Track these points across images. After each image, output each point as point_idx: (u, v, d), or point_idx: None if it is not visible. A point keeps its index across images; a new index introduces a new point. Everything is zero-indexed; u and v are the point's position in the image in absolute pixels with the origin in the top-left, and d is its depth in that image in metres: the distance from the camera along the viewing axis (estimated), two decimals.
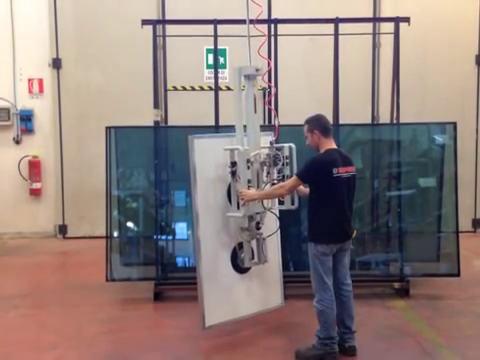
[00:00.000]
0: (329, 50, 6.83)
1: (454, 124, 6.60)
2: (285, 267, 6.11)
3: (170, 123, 7.94)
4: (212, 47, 6.81)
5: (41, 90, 9.90)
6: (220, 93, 6.73)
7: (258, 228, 5.42)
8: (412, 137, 6.81)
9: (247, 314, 5.59)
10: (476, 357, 5.09)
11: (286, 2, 9.04)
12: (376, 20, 9.61)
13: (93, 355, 5.15)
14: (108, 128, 6.49)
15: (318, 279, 4.87)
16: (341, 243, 4.94)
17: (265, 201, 5.40)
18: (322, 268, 4.85)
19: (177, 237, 6.74)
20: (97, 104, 9.72)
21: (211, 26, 6.63)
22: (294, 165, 5.35)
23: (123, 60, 9.68)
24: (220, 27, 6.65)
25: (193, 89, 9.52)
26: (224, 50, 9.27)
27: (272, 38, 6.72)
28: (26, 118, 9.81)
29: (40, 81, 9.87)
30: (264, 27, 6.45)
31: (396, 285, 6.59)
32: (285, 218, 5.68)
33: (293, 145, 5.41)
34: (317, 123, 4.98)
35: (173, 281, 6.68)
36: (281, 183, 5.16)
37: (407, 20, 6.70)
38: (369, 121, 8.38)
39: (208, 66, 9.44)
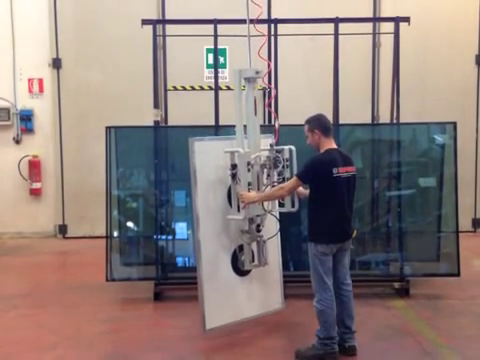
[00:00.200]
0: (329, 50, 6.83)
1: (454, 124, 6.60)
2: (285, 267, 6.11)
3: (170, 123, 7.94)
4: (212, 47, 6.81)
5: (41, 90, 9.90)
6: (220, 93, 6.73)
7: (258, 230, 5.42)
8: (412, 137, 6.82)
9: (247, 317, 5.59)
10: (476, 357, 5.09)
11: (286, 2, 9.05)
12: (376, 20, 9.61)
13: (93, 355, 5.14)
14: (108, 128, 6.49)
15: (318, 279, 4.87)
16: (341, 243, 4.94)
17: (265, 203, 5.40)
18: (322, 268, 4.85)
19: (177, 237, 6.74)
20: (97, 104, 9.73)
21: (211, 26, 6.63)
22: (294, 167, 5.34)
23: (123, 60, 9.68)
24: (220, 27, 6.65)
25: (193, 89, 9.52)
26: (224, 50, 9.27)
27: (272, 38, 6.73)
28: (26, 118, 9.82)
29: (40, 81, 9.88)
30: (264, 27, 6.46)
31: (396, 285, 6.59)
32: (285, 218, 5.68)
33: (293, 147, 5.41)
34: (317, 123, 4.98)
35: (173, 281, 6.68)
36: (281, 184, 5.16)
37: (407, 20, 6.70)
38: (369, 121, 8.38)
39: (208, 66, 9.44)
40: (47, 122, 9.94)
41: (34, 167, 9.86)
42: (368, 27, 9.24)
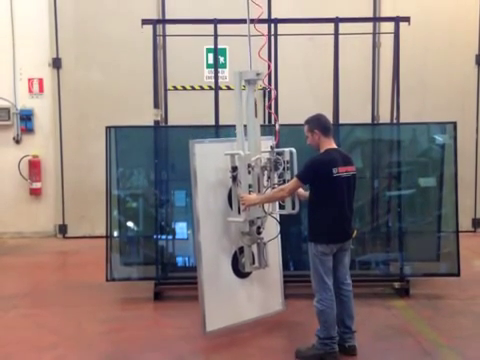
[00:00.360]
0: (329, 50, 6.83)
1: (454, 124, 6.60)
2: (285, 267, 6.11)
3: (170, 123, 7.94)
4: (212, 47, 6.81)
5: (41, 90, 9.90)
6: (220, 93, 6.73)
7: (259, 233, 5.42)
8: (412, 137, 6.82)
9: (248, 319, 5.59)
10: (476, 357, 5.09)
11: (286, 2, 9.05)
12: (376, 20, 9.61)
13: (93, 355, 5.15)
14: (108, 128, 6.49)
15: (318, 279, 4.87)
16: (341, 243, 4.94)
17: (266, 205, 5.40)
18: (322, 268, 4.85)
19: (177, 237, 6.74)
20: (97, 104, 9.72)
21: (211, 26, 6.63)
22: (295, 169, 5.33)
23: (123, 60, 9.68)
24: (220, 27, 6.65)
25: (193, 89, 9.53)
26: (224, 50, 9.27)
27: (272, 38, 6.72)
28: (26, 118, 9.81)
29: (40, 81, 9.87)
30: (264, 28, 6.46)
31: (396, 285, 6.59)
32: (285, 218, 5.66)
33: (293, 149, 5.41)
34: (317, 123, 4.98)
35: (173, 281, 6.69)
36: (281, 186, 5.16)
37: (407, 20, 6.70)
38: (369, 121, 8.38)
39: (208, 66, 9.44)
40: (47, 122, 9.94)
41: (34, 167, 9.86)
42: (368, 27, 9.23)
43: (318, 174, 4.85)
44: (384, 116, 8.63)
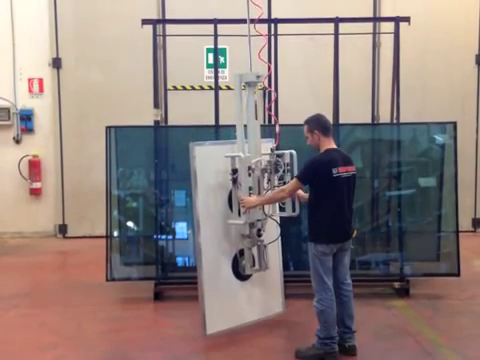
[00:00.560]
0: (329, 50, 6.83)
1: (454, 124, 6.60)
2: (285, 267, 6.10)
3: (170, 123, 7.94)
4: (212, 47, 6.81)
5: (41, 90, 9.89)
6: (220, 93, 6.73)
7: (259, 235, 5.42)
8: (412, 137, 6.82)
9: (248, 321, 5.58)
10: (476, 357, 5.09)
11: (286, 2, 9.05)
12: (376, 20, 9.61)
13: (93, 355, 5.15)
14: (108, 128, 6.49)
15: (318, 279, 4.87)
16: (341, 243, 4.94)
17: (266, 208, 5.40)
18: (322, 268, 4.85)
19: (177, 237, 6.74)
20: (97, 103, 9.72)
21: (211, 26, 6.63)
22: (295, 172, 5.33)
23: (123, 59, 9.68)
24: (220, 27, 6.66)
25: (193, 89, 9.53)
26: (224, 49, 9.27)
27: (272, 38, 6.72)
28: (26, 118, 9.81)
29: (40, 81, 9.87)
30: (264, 28, 6.46)
31: (396, 285, 6.59)
32: (285, 218, 5.66)
33: (294, 152, 5.40)
34: (317, 123, 4.98)
35: (173, 281, 6.68)
36: (281, 187, 5.16)
37: (407, 20, 6.70)
38: (369, 121, 8.38)
39: (208, 65, 9.44)
40: (47, 122, 9.94)
41: (34, 167, 9.86)
42: (368, 27, 9.23)
43: (318, 174, 4.85)
44: (384, 116, 8.63)
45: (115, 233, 6.71)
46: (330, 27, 6.76)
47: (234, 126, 5.43)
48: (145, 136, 6.72)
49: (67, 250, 9.16)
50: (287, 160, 5.35)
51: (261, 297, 5.75)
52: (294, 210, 5.33)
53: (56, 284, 7.27)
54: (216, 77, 6.82)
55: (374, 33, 9.38)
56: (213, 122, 6.66)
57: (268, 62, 6.44)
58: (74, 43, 9.78)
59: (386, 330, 5.58)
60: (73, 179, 9.84)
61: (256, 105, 5.38)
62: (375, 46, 9.62)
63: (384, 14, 9.63)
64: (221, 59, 9.23)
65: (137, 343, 5.34)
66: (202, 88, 9.49)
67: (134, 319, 5.97)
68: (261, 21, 5.83)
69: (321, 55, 9.03)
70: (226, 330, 5.41)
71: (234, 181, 5.34)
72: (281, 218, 5.60)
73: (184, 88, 9.47)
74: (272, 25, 6.79)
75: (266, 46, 6.38)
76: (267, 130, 6.14)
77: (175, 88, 9.24)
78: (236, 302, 5.56)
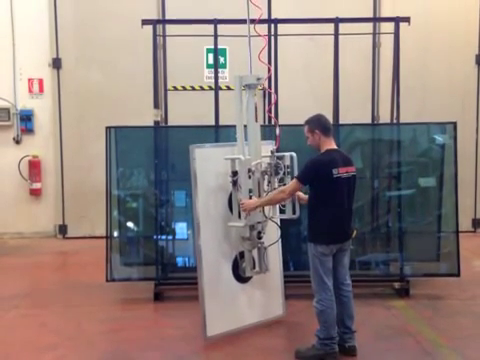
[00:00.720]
0: (329, 50, 6.84)
1: (454, 124, 6.60)
2: (285, 267, 6.10)
3: (170, 123, 7.94)
4: (212, 47, 6.82)
5: (41, 90, 9.89)
6: (220, 93, 6.73)
7: (259, 237, 5.41)
8: (412, 137, 6.82)
9: (248, 323, 5.58)
10: (476, 357, 5.09)
11: (286, 2, 9.05)
12: (376, 20, 9.61)
13: (93, 355, 5.15)
14: (108, 128, 6.49)
15: (318, 279, 4.87)
16: (341, 243, 4.94)
17: (266, 210, 5.40)
18: (322, 268, 4.85)
19: (177, 237, 6.74)
20: (97, 104, 9.72)
21: (211, 26, 6.63)
22: (295, 174, 5.31)
23: (123, 60, 9.67)
24: (220, 27, 6.66)
25: (193, 89, 9.53)
26: (224, 50, 9.27)
27: (272, 38, 6.72)
28: (26, 118, 9.80)
29: (40, 81, 9.86)
30: (264, 28, 6.46)
31: (396, 285, 6.59)
32: (285, 219, 5.66)
33: (294, 154, 5.40)
34: (317, 123, 4.98)
35: (173, 281, 6.68)
36: (281, 188, 5.15)
37: (407, 20, 6.71)
38: (369, 121, 8.38)
39: (208, 66, 9.43)
40: (47, 122, 9.93)
41: (34, 167, 9.85)
42: (368, 27, 9.23)
43: (318, 175, 4.84)
44: (384, 116, 8.63)
45: (115, 233, 6.70)
46: (330, 27, 6.77)
47: (234, 126, 5.42)
48: (145, 136, 6.72)
49: (67, 250, 9.15)
50: (287, 162, 5.35)
51: (261, 299, 5.74)
52: (294, 212, 5.32)
53: (56, 284, 7.27)
54: (216, 77, 6.82)
55: (374, 33, 9.38)
56: (213, 122, 6.67)
57: (268, 63, 6.44)
58: (74, 43, 9.78)
59: (386, 330, 5.58)
60: (73, 179, 9.84)
61: (256, 107, 5.36)
62: (375, 46, 9.62)
63: (384, 14, 9.63)
64: (221, 59, 9.23)
65: (137, 343, 5.35)
66: (202, 88, 9.48)
67: (134, 319, 5.97)
68: (261, 21, 5.83)
69: (321, 55, 9.03)
70: (226, 332, 5.41)
71: (234, 183, 5.33)
72: (281, 220, 5.59)
73: (184, 88, 9.47)
74: (272, 25, 6.78)
75: (266, 47, 6.39)
76: (267, 131, 6.14)
77: (175, 88, 9.23)
78: (236, 304, 5.55)
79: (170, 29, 8.24)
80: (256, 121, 5.37)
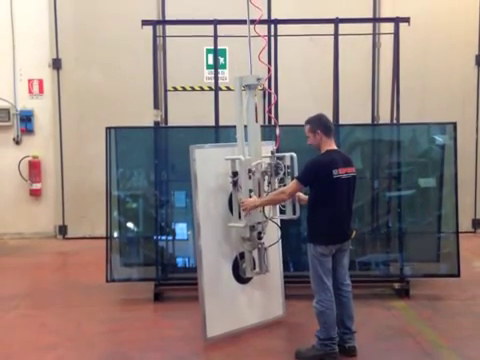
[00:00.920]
0: (329, 51, 6.83)
1: (454, 124, 6.60)
2: (285, 267, 6.10)
3: (170, 123, 7.94)
4: (212, 47, 6.81)
5: (41, 91, 9.89)
6: (220, 93, 6.73)
7: (260, 238, 5.41)
8: (412, 137, 6.82)
9: (248, 324, 5.58)
10: (476, 357, 5.09)
11: (286, 3, 9.05)
12: (376, 20, 9.61)
13: (93, 355, 5.15)
14: (108, 128, 6.50)
15: (317, 280, 4.87)
16: (340, 244, 4.93)
17: (266, 210, 5.39)
18: (321, 269, 4.85)
19: (177, 237, 6.74)
20: (97, 104, 9.72)
21: (211, 26, 6.63)
22: (295, 174, 5.31)
23: (123, 60, 9.67)
24: (220, 27, 6.65)
25: (193, 89, 9.52)
26: (224, 50, 9.27)
27: (272, 39, 6.72)
28: (26, 118, 9.80)
29: (40, 81, 9.86)
30: (264, 29, 6.46)
31: (396, 285, 6.59)
32: (285, 219, 5.66)
33: (294, 154, 5.40)
34: (319, 123, 4.97)
35: (173, 282, 6.68)
36: (282, 188, 5.15)
37: (407, 20, 6.71)
38: (369, 121, 8.38)
39: (208, 66, 9.44)
40: (47, 123, 9.93)
41: (34, 168, 9.85)
42: (368, 27, 9.24)
43: (318, 176, 4.84)
44: (384, 116, 8.63)
45: (115, 234, 6.70)
46: (330, 28, 6.77)
47: (234, 127, 5.43)
48: (145, 137, 6.72)
49: (67, 251, 9.16)
50: (287, 163, 5.34)
51: (261, 300, 5.74)
52: (294, 213, 5.32)
53: (56, 285, 7.27)
54: (216, 78, 6.81)
55: (374, 34, 9.38)
56: (213, 123, 6.66)
57: (268, 64, 6.44)
58: (74, 44, 9.78)
59: (386, 331, 5.58)
60: (73, 180, 9.84)
61: (256, 107, 5.36)
62: (375, 47, 9.63)
63: (384, 15, 9.62)
64: (221, 60, 9.23)
65: (137, 344, 5.35)
66: (202, 89, 9.48)
67: (134, 320, 5.97)
68: (261, 22, 5.83)
69: (321, 56, 9.02)
70: (226, 333, 5.41)
71: (234, 184, 5.33)
72: (281, 220, 5.59)
73: (184, 89, 9.47)
74: (272, 26, 6.78)
75: (266, 47, 6.39)
76: (267, 131, 6.14)
77: (175, 89, 9.23)
78: (236, 305, 5.55)
79: (170, 30, 8.24)
80: (256, 121, 5.36)
